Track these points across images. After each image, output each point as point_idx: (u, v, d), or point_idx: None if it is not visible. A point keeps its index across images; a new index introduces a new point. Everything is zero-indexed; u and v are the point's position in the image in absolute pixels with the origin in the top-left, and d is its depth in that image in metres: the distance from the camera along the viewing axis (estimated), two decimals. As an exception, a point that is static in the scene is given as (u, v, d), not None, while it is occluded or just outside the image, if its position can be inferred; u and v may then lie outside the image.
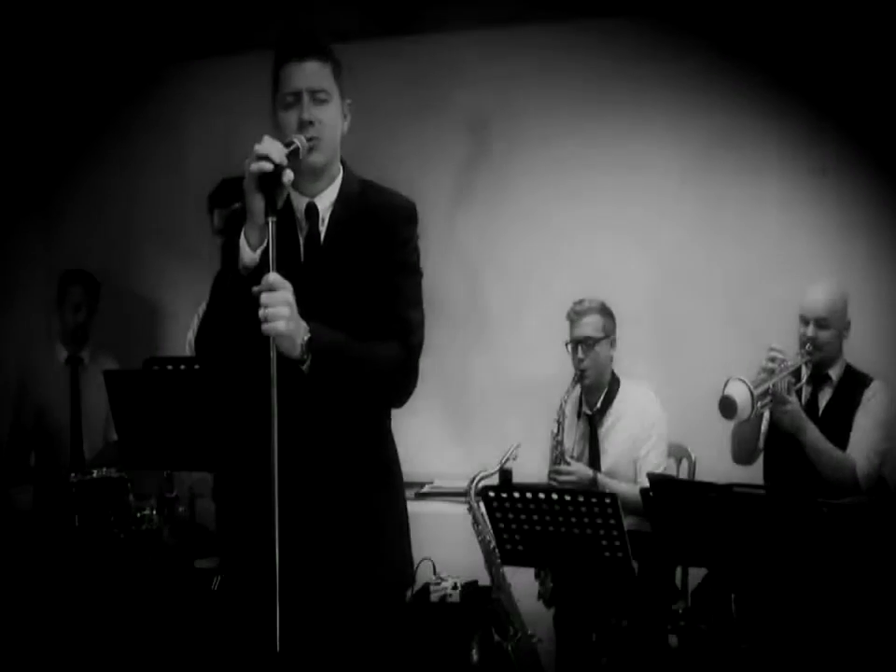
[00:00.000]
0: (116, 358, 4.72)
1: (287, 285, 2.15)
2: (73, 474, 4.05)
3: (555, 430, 3.93)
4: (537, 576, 3.87)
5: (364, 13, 4.89)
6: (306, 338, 2.18)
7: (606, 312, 3.94)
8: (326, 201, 2.39)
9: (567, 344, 3.94)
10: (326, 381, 2.24)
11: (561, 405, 3.93)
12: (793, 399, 3.58)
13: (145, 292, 5.30)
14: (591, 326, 3.89)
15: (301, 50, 2.33)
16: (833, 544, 2.85)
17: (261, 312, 2.12)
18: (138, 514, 3.95)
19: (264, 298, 2.12)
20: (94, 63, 5.24)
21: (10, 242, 5.31)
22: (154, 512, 3.98)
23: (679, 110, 4.55)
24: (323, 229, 2.38)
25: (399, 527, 2.50)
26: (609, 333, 3.93)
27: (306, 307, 2.21)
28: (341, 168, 2.43)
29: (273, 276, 2.13)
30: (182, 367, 2.72)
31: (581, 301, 3.95)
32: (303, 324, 2.19)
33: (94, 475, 4.02)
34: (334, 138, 2.36)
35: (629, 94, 4.59)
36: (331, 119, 2.33)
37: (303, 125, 2.28)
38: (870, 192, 4.31)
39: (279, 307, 2.12)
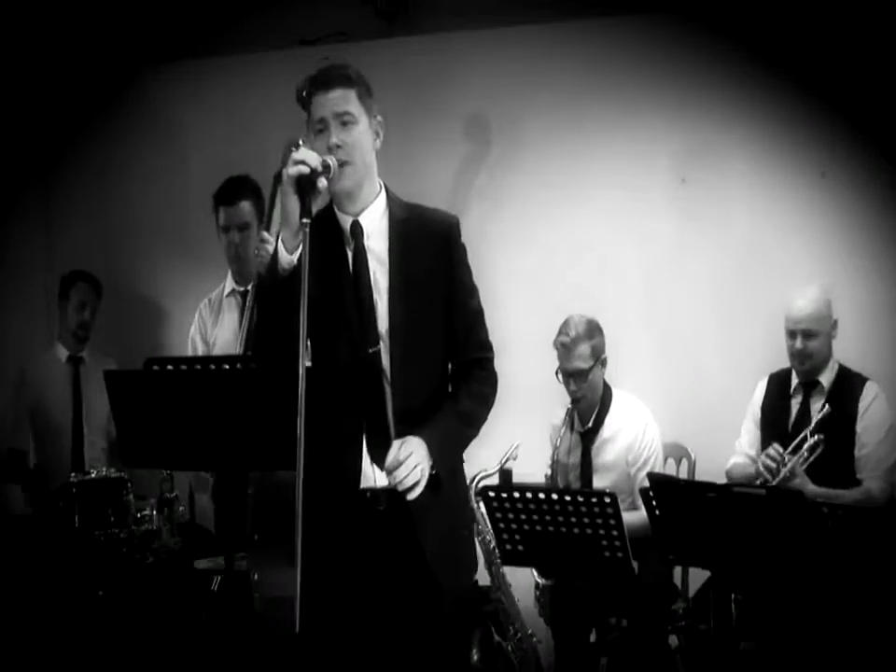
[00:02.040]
0: (115, 359, 4.72)
1: (413, 444, 2.36)
2: (73, 474, 4.06)
3: (551, 453, 3.88)
4: (536, 588, 3.85)
5: (363, 13, 4.91)
6: (433, 471, 2.39)
7: (593, 333, 3.86)
8: (368, 218, 2.50)
9: (557, 373, 3.89)
10: (446, 471, 2.45)
11: (553, 428, 3.91)
12: (800, 474, 3.54)
13: (145, 292, 5.30)
14: (580, 358, 3.83)
15: (325, 80, 2.46)
16: (832, 544, 2.85)
17: (407, 480, 2.32)
18: (138, 514, 3.95)
19: (410, 462, 2.32)
20: (96, 62, 5.23)
21: (10, 242, 5.31)
22: (154, 512, 3.98)
23: (678, 111, 4.55)
24: (371, 244, 2.49)
25: (467, 518, 2.75)
26: (598, 355, 3.86)
27: (375, 331, 2.44)
28: (381, 187, 2.55)
29: (394, 450, 2.34)
30: (183, 367, 2.72)
31: (566, 330, 3.85)
32: (428, 459, 2.37)
33: (94, 475, 4.03)
34: (364, 157, 2.47)
35: (628, 94, 4.59)
36: (359, 140, 2.45)
37: (332, 149, 2.40)
38: (867, 193, 4.31)
39: (417, 473, 2.33)
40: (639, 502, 3.59)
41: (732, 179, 4.50)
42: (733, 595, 3.36)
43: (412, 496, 2.34)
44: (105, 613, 3.80)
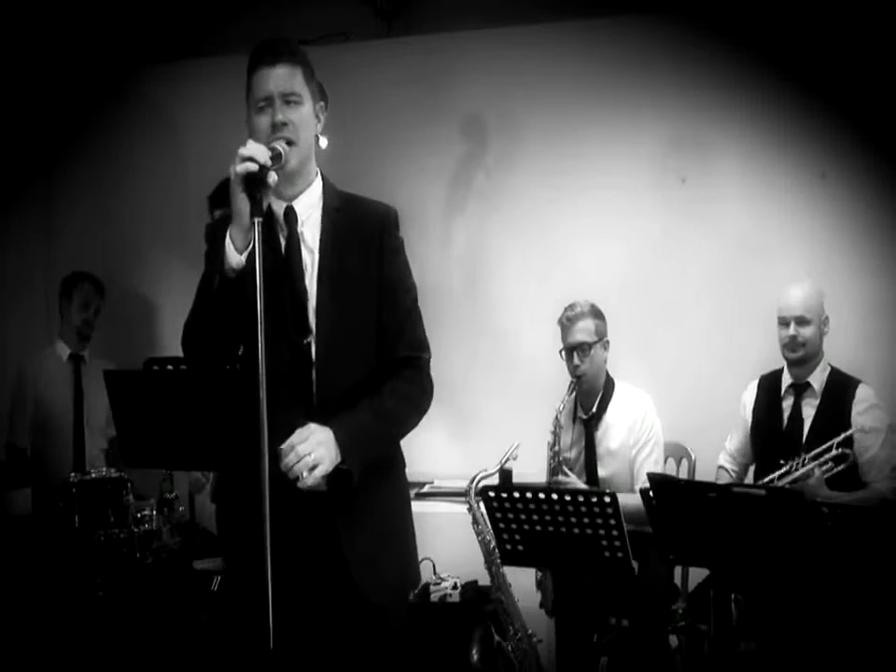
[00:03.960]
0: (114, 359, 4.72)
1: (312, 428, 2.25)
2: (73, 474, 4.06)
3: (551, 441, 3.92)
4: (538, 586, 3.86)
5: (363, 13, 4.91)
6: (340, 464, 2.27)
7: (597, 314, 3.93)
8: (302, 204, 2.42)
9: (561, 352, 3.94)
10: (360, 469, 2.30)
11: (556, 416, 3.93)
12: (816, 475, 3.53)
13: (145, 292, 5.30)
14: (584, 331, 3.89)
15: (271, 55, 2.37)
16: (832, 544, 2.85)
17: (297, 466, 2.19)
18: (138, 514, 3.95)
19: (301, 449, 2.21)
20: (96, 62, 5.24)
21: (11, 242, 5.31)
22: (154, 512, 3.98)
23: (678, 111, 4.55)
24: (303, 230, 2.41)
25: (404, 528, 2.53)
26: (601, 336, 3.93)
27: (305, 323, 2.33)
28: (318, 174, 2.46)
29: (292, 436, 2.21)
30: (182, 367, 2.71)
31: (571, 307, 3.94)
32: (334, 449, 2.25)
33: (94, 475, 4.03)
34: (308, 140, 2.39)
35: (627, 94, 4.59)
36: (304, 121, 2.36)
37: (276, 127, 2.32)
38: (867, 193, 4.31)
39: (308, 461, 2.21)
40: (637, 486, 3.64)
41: (732, 179, 4.50)
42: (732, 595, 3.36)
43: (302, 484, 2.21)
44: (104, 613, 3.80)
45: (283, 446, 2.22)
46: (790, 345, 3.74)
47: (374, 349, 2.43)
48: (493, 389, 4.81)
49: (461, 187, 4.86)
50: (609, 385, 3.98)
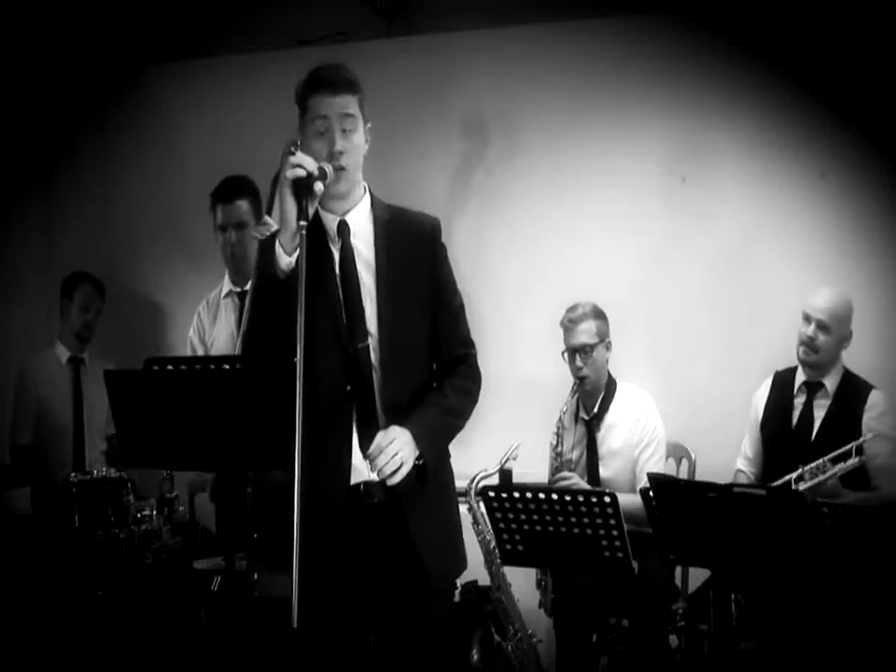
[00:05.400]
0: (114, 359, 4.72)
1: (396, 430, 2.41)
2: (73, 474, 4.05)
3: (554, 442, 3.92)
4: (538, 585, 3.86)
5: (363, 13, 4.90)
6: (420, 461, 2.44)
7: (599, 315, 3.93)
8: (354, 218, 2.53)
9: (563, 353, 3.94)
10: (434, 462, 2.49)
11: (560, 416, 3.93)
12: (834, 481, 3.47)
13: (145, 292, 5.30)
14: (586, 333, 3.89)
15: (334, 84, 2.48)
16: (832, 544, 2.85)
17: (388, 466, 2.37)
18: (138, 514, 3.95)
19: (389, 450, 2.37)
20: (96, 62, 5.23)
21: (10, 242, 5.31)
22: (154, 512, 3.98)
23: (677, 110, 4.54)
24: (356, 243, 2.53)
25: (457, 516, 2.69)
26: (604, 337, 3.93)
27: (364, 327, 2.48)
28: (366, 189, 2.58)
29: (377, 439, 2.38)
30: (183, 367, 2.72)
31: (573, 308, 3.94)
32: (414, 447, 2.42)
33: (94, 475, 4.03)
34: (358, 164, 2.51)
35: (627, 94, 4.59)
36: (357, 147, 2.49)
37: (333, 156, 2.44)
38: (867, 193, 4.30)
39: (397, 460, 2.37)
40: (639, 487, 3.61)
41: (732, 178, 4.50)
42: (733, 595, 3.36)
43: (392, 481, 2.39)
44: (105, 613, 3.80)
45: (371, 450, 2.38)
46: (806, 345, 3.70)
47: (428, 352, 2.59)
48: (493, 389, 4.78)
49: (461, 187, 4.85)
50: (610, 386, 3.98)
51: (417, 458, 2.43)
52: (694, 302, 4.53)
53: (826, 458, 3.48)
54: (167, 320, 5.21)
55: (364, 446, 2.45)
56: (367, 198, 2.57)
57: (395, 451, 2.37)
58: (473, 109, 4.81)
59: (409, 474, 2.41)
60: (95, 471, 4.09)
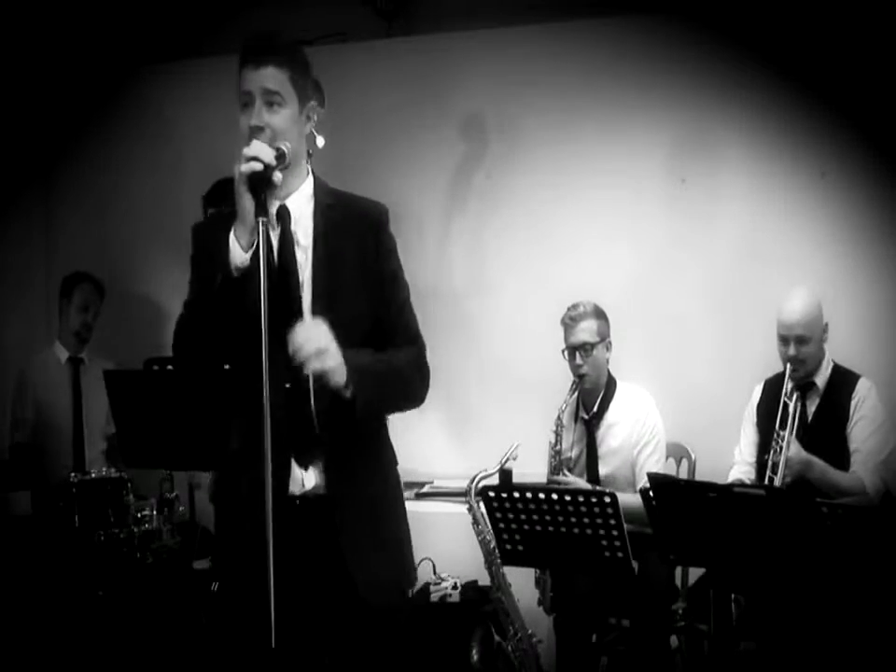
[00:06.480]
0: (114, 359, 4.73)
1: (320, 321, 2.23)
2: (73, 474, 4.06)
3: (553, 440, 3.92)
4: (537, 584, 3.86)
5: (363, 13, 4.91)
6: (349, 394, 2.24)
7: (600, 314, 3.93)
8: (294, 203, 2.41)
9: (563, 351, 3.94)
10: (365, 401, 2.27)
11: (559, 415, 3.93)
12: (794, 446, 3.54)
13: (145, 292, 5.30)
14: (587, 331, 3.89)
15: (256, 54, 2.36)
16: (832, 544, 2.85)
17: (305, 350, 2.17)
18: (138, 514, 3.95)
19: (312, 334, 2.19)
20: (95, 61, 5.24)
21: (11, 242, 5.31)
22: (154, 512, 3.98)
23: (677, 111, 4.55)
24: (296, 228, 2.40)
25: (400, 529, 2.51)
26: (604, 336, 3.93)
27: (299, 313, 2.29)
28: (309, 172, 2.45)
29: (308, 320, 2.23)
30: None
31: (574, 306, 3.94)
32: (340, 358, 2.22)
33: (94, 475, 4.03)
34: (297, 145, 2.36)
35: (627, 94, 4.59)
36: (284, 124, 2.34)
37: (253, 130, 2.32)
38: (867, 193, 4.30)
39: (324, 342, 2.19)
40: (641, 484, 3.62)
41: (732, 179, 4.50)
42: (732, 595, 3.36)
43: (307, 369, 2.20)
44: (105, 613, 3.80)
45: (292, 333, 2.20)
46: (792, 363, 3.71)
47: (368, 343, 2.40)
48: (493, 389, 4.81)
49: (461, 187, 4.85)
50: (610, 385, 3.98)
51: (346, 388, 2.23)
52: (695, 301, 4.53)
53: (781, 432, 3.55)
54: (167, 320, 5.20)
55: (300, 460, 2.34)
56: (309, 181, 2.43)
57: (317, 336, 2.20)
58: (473, 109, 4.81)
59: (333, 408, 2.26)
60: (95, 471, 4.09)
